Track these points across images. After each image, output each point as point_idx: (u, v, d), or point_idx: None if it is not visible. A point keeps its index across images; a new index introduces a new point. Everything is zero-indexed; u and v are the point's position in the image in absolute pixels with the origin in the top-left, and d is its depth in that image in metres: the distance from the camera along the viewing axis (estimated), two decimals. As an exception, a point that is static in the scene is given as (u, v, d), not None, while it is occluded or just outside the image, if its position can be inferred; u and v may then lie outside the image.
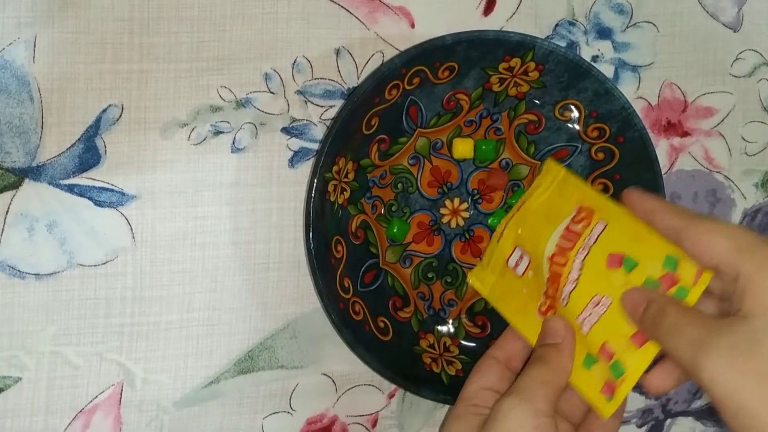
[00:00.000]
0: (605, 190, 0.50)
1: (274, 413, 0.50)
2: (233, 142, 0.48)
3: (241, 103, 0.48)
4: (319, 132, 0.49)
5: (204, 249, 0.48)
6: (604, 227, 0.42)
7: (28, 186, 0.45)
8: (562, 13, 0.51)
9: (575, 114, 0.49)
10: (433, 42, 0.44)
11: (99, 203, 0.46)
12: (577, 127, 0.50)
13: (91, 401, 0.47)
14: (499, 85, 0.49)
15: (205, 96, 0.47)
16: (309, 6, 0.48)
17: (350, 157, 0.47)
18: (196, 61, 0.47)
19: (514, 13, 0.51)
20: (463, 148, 0.50)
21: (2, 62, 0.44)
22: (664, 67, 0.53)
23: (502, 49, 0.46)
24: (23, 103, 0.45)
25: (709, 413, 0.58)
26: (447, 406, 0.51)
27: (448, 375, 0.49)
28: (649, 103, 0.54)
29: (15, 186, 0.45)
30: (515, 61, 0.47)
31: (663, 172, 0.51)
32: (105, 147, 0.46)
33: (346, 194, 0.48)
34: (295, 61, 0.48)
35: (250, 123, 0.48)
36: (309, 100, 0.49)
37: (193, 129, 0.47)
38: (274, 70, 0.48)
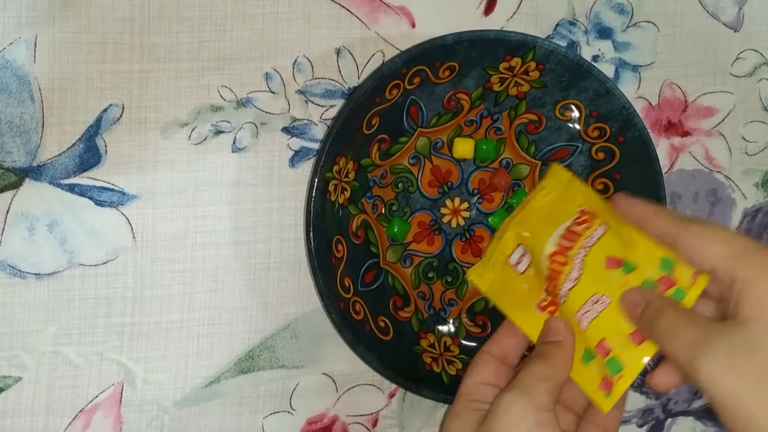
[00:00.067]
0: (606, 189, 0.50)
1: (274, 413, 0.50)
2: (234, 142, 0.48)
3: (242, 103, 0.48)
4: (319, 132, 0.49)
5: (205, 249, 0.48)
6: (605, 231, 0.43)
7: (29, 185, 0.45)
8: (563, 13, 0.51)
9: (576, 114, 0.49)
10: (434, 42, 0.44)
11: (99, 203, 0.46)
12: (577, 126, 0.50)
13: (91, 401, 0.47)
14: (499, 84, 0.49)
15: (205, 96, 0.47)
16: (310, 6, 0.48)
17: (351, 156, 0.47)
18: (196, 60, 0.47)
19: (514, 13, 0.51)
20: (464, 147, 0.50)
21: (3, 62, 0.44)
22: (665, 66, 0.53)
23: (503, 48, 0.46)
24: (24, 103, 0.45)
25: (709, 413, 0.58)
26: (447, 406, 0.51)
27: (449, 374, 0.49)
28: (650, 103, 0.54)
29: (16, 185, 0.45)
30: (516, 61, 0.47)
31: (663, 172, 0.51)
32: (105, 147, 0.46)
33: (347, 194, 0.48)
34: (295, 61, 0.48)
35: (250, 123, 0.48)
36: (310, 100, 0.49)
37: (193, 129, 0.47)
38: (275, 70, 0.48)
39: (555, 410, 0.40)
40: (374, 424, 0.52)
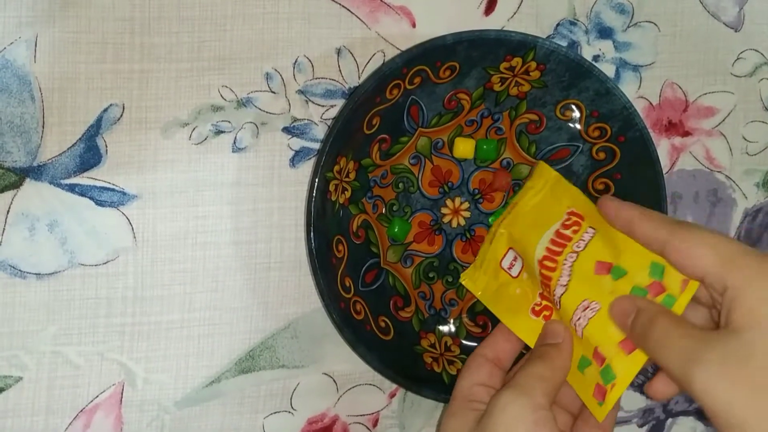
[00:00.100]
0: (606, 189, 0.50)
1: (275, 413, 0.50)
2: (234, 142, 0.48)
3: (242, 103, 0.48)
4: (320, 131, 0.49)
5: (205, 248, 0.48)
6: (593, 234, 0.43)
7: (29, 185, 0.45)
8: (563, 13, 0.51)
9: (576, 113, 0.49)
10: (435, 42, 0.44)
11: (100, 203, 0.46)
12: (578, 126, 0.50)
13: (92, 401, 0.47)
14: (500, 84, 0.49)
15: (206, 95, 0.47)
16: (310, 5, 0.48)
17: (351, 156, 0.47)
18: (197, 60, 0.47)
19: (515, 13, 0.51)
20: (465, 147, 0.50)
21: (3, 62, 0.44)
22: (665, 66, 0.53)
23: (504, 48, 0.46)
24: (24, 103, 0.45)
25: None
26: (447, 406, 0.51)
27: (449, 374, 0.49)
28: (650, 103, 0.54)
29: (16, 185, 0.45)
30: (516, 61, 0.47)
31: (664, 172, 0.51)
32: (106, 146, 0.46)
33: (348, 194, 0.48)
34: (296, 61, 0.48)
35: (251, 122, 0.48)
36: (310, 100, 0.49)
37: (194, 128, 0.47)
38: (275, 70, 0.48)
39: (552, 410, 0.40)
40: (375, 424, 0.52)
